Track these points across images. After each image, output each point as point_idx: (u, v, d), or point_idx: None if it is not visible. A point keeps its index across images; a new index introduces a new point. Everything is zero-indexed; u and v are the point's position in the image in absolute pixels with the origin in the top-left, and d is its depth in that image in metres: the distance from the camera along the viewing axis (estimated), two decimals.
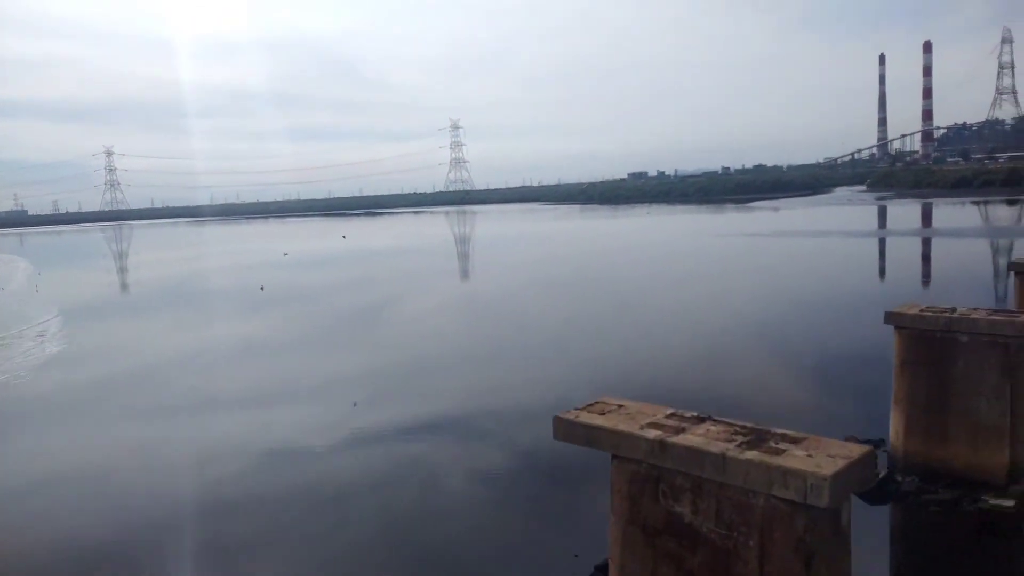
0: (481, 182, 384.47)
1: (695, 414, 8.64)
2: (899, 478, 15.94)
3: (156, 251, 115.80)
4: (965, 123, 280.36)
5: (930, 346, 15.71)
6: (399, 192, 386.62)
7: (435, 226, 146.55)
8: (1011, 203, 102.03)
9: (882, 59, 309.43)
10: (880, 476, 15.66)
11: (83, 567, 13.62)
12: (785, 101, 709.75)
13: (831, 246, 59.38)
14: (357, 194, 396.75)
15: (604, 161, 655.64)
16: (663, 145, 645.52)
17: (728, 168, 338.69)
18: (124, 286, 66.85)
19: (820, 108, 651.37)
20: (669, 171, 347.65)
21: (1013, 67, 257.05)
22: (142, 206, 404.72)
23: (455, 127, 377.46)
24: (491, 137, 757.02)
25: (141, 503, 16.27)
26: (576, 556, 12.42)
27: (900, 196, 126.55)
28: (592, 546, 11.88)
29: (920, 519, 14.27)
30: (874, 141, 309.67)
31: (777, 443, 7.34)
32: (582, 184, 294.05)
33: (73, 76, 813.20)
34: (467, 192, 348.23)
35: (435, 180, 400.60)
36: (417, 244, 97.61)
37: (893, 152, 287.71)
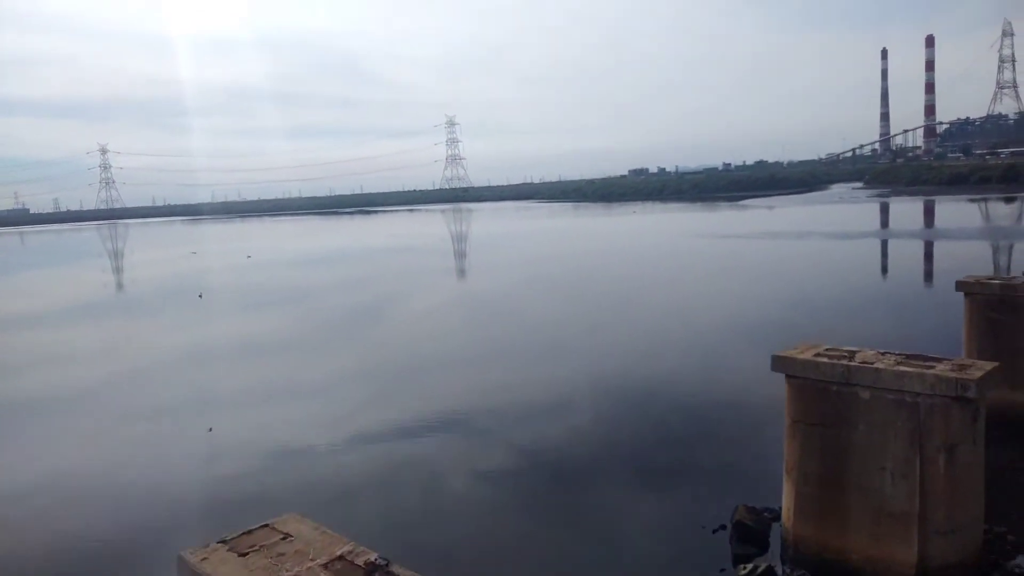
0: (484, 179, 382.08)
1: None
2: (787, 571, 12.47)
3: (122, 254, 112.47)
4: (968, 118, 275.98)
5: (825, 402, 12.23)
6: (400, 189, 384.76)
7: (421, 225, 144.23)
8: (1008, 200, 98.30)
9: (884, 54, 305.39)
10: (761, 570, 12.18)
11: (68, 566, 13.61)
12: (788, 97, 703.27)
13: (801, 250, 55.93)
14: (357, 191, 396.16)
15: (607, 158, 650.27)
16: (665, 142, 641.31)
17: (729, 164, 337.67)
18: (54, 293, 63.37)
19: (823, 104, 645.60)
20: (670, 168, 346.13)
21: (1014, 61, 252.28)
22: (142, 204, 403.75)
23: (451, 124, 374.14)
24: (494, 134, 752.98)
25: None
26: None
27: (895, 193, 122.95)
28: (595, 545, 12.32)
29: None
30: (877, 137, 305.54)
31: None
32: (581, 181, 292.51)
33: (70, 73, 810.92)
34: (465, 189, 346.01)
35: (434, 177, 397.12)
36: (393, 244, 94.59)
37: (895, 148, 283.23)
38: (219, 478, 16.99)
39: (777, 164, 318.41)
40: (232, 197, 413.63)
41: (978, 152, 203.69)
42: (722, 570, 12.30)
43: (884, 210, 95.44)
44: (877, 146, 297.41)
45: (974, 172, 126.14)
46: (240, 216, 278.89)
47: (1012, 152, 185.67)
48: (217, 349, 32.70)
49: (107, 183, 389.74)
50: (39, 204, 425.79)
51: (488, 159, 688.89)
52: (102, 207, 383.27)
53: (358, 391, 24.24)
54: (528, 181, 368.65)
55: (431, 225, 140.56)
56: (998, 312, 18.32)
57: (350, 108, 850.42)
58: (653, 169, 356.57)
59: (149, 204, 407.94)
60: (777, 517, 13.72)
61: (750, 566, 12.22)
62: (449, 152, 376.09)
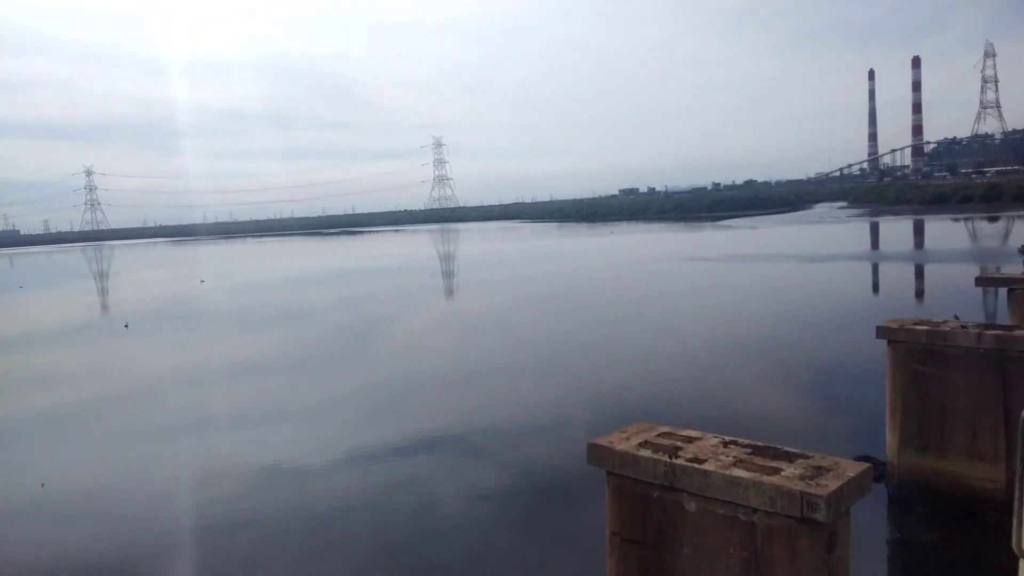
0: (478, 199, 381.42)
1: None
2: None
3: (76, 279, 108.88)
4: (955, 137, 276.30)
5: (646, 513, 8.92)
6: (392, 209, 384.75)
7: (397, 246, 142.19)
8: (991, 220, 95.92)
9: (871, 75, 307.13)
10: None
11: None
12: (778, 118, 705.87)
13: (758, 275, 53.12)
14: (350, 211, 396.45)
15: (598, 178, 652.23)
16: (657, 162, 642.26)
17: (718, 184, 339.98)
18: None
19: (813, 124, 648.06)
20: (660, 188, 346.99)
21: (996, 81, 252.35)
22: (134, 225, 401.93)
23: (438, 144, 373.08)
24: (489, 156, 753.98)
25: None
26: None
27: (877, 213, 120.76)
28: (589, 562, 11.67)
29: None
30: (865, 156, 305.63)
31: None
32: (569, 201, 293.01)
33: (64, 95, 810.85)
34: (452, 210, 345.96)
35: (424, 197, 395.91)
36: (366, 264, 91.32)
37: (883, 167, 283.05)
38: (209, 501, 16.88)
39: (765, 184, 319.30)
40: (223, 218, 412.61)
41: (964, 171, 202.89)
42: None
43: (860, 230, 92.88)
44: (866, 165, 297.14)
45: (956, 191, 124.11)
46: (226, 237, 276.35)
47: (998, 171, 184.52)
48: (122, 387, 29.31)
49: (92, 204, 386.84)
50: (30, 226, 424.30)
51: (482, 180, 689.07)
52: (87, 228, 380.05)
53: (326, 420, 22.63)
54: (521, 201, 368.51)
55: (408, 246, 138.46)
56: (925, 364, 15.14)
57: (342, 130, 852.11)
58: (643, 189, 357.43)
59: (139, 225, 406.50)
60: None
61: None
62: (436, 173, 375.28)
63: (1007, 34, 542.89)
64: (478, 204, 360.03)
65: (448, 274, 74.73)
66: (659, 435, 9.25)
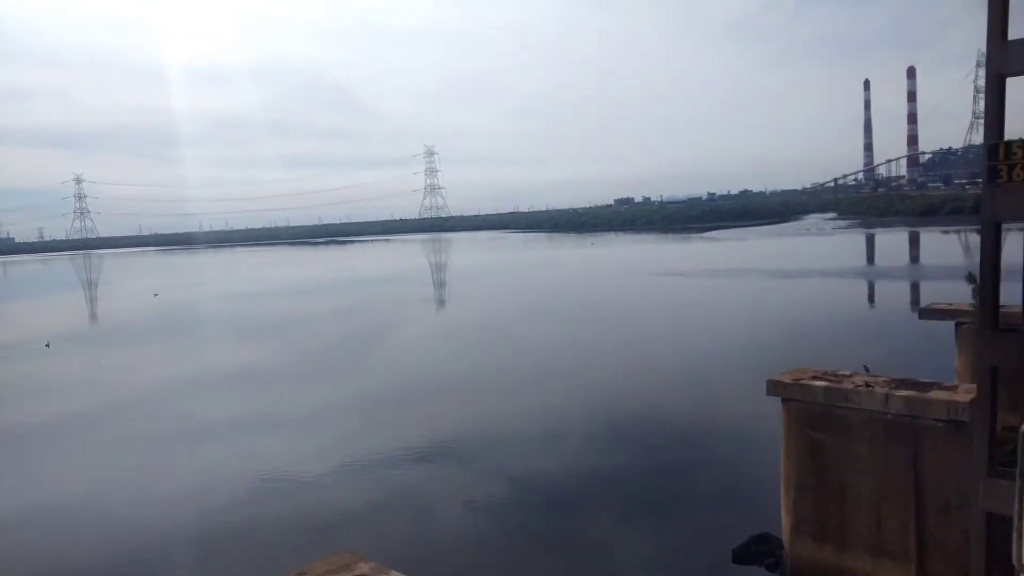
0: (475, 207, 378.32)
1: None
2: None
3: (32, 291, 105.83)
4: (951, 148, 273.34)
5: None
6: (389, 218, 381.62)
7: (380, 257, 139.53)
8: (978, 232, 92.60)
9: (867, 85, 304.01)
10: None
11: None
12: (775, 128, 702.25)
13: (722, 293, 50.30)
14: (345, 220, 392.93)
15: (596, 188, 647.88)
16: (654, 172, 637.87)
17: (714, 194, 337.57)
18: None
19: (810, 135, 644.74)
20: (655, 197, 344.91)
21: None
22: (130, 233, 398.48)
23: (430, 153, 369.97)
24: (485, 164, 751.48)
25: None
26: None
27: (863, 225, 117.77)
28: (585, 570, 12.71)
29: None
30: (861, 167, 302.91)
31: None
32: (563, 211, 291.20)
33: (62, 104, 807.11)
34: (446, 219, 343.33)
35: (418, 207, 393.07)
36: (334, 277, 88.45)
37: (878, 177, 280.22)
38: (212, 509, 16.62)
39: (760, 194, 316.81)
40: (219, 226, 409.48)
41: (958, 182, 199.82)
42: None
43: (840, 244, 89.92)
44: (860, 176, 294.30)
45: (946, 203, 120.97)
46: (216, 246, 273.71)
47: None
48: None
49: (82, 213, 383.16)
50: (26, 234, 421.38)
51: (481, 188, 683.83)
52: (76, 237, 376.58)
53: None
54: (518, 210, 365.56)
55: (388, 257, 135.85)
56: (823, 430, 11.91)
57: (341, 138, 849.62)
58: (638, 199, 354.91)
59: (134, 233, 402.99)
60: None
61: None
62: (428, 182, 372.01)
63: None
64: (470, 213, 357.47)
65: (410, 285, 71.50)
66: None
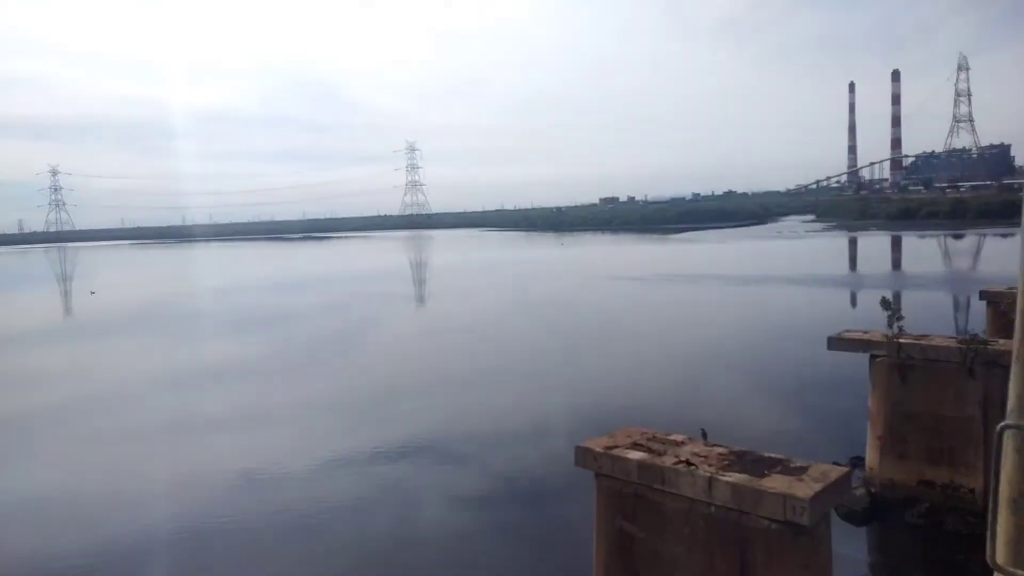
0: (461, 204, 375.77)
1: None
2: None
3: None
4: (933, 151, 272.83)
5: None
6: (375, 214, 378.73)
7: (348, 255, 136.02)
8: (956, 237, 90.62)
9: (851, 87, 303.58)
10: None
11: None
12: (762, 129, 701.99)
13: (667, 300, 47.31)
14: (331, 215, 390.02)
15: (582, 186, 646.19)
16: (641, 171, 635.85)
17: (697, 194, 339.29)
18: None
19: (796, 136, 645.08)
20: (640, 197, 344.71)
21: (970, 95, 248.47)
22: (113, 226, 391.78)
23: (411, 149, 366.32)
24: (472, 161, 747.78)
25: None
26: None
27: (837, 228, 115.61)
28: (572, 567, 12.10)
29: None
30: (845, 169, 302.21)
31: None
32: (542, 209, 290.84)
33: (47, 94, 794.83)
34: (430, 216, 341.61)
35: (400, 203, 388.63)
36: (281, 276, 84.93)
37: (861, 180, 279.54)
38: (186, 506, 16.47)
39: (743, 195, 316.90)
40: (203, 220, 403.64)
41: (939, 185, 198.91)
42: None
43: (808, 248, 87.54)
44: (843, 178, 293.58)
45: (923, 207, 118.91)
46: (189, 241, 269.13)
47: (972, 186, 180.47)
48: None
49: (57, 205, 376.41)
50: (7, 225, 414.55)
51: (467, 185, 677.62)
52: (53, 229, 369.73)
53: None
54: (503, 207, 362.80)
55: (356, 255, 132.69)
56: (634, 520, 8.84)
57: (328, 133, 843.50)
58: (624, 198, 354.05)
59: (116, 226, 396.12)
60: None
61: None
62: (409, 178, 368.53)
63: (988, 48, 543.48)
64: (457, 210, 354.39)
65: (355, 285, 68.17)
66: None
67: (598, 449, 9.26)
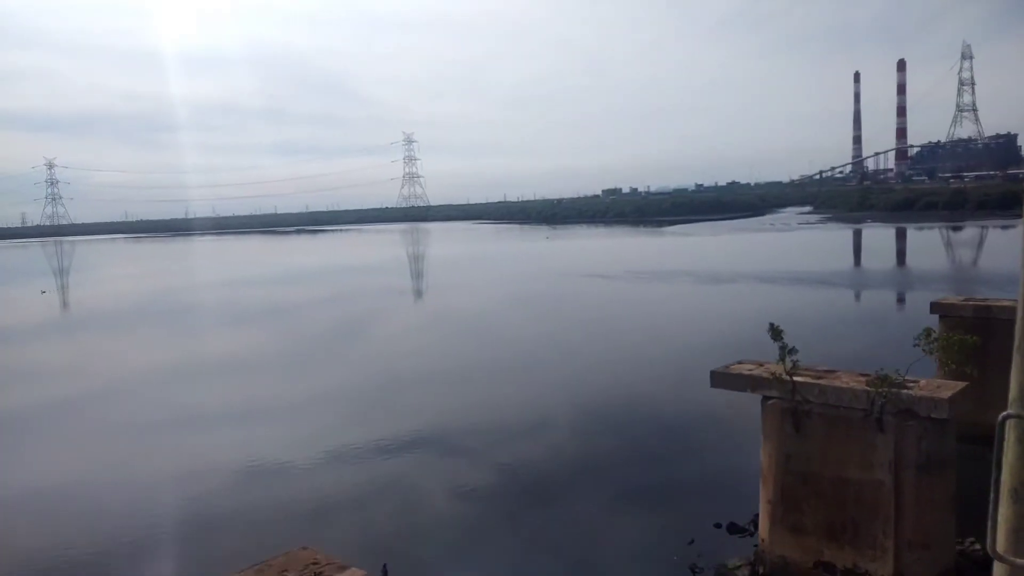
0: (463, 196, 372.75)
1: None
2: None
3: None
4: (939, 141, 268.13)
5: None
6: (374, 207, 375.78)
7: (335, 249, 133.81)
8: (955, 229, 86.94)
9: (857, 77, 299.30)
10: None
11: None
12: (767, 119, 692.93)
13: (623, 303, 44.26)
14: (333, 208, 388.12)
15: (586, 177, 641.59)
16: (645, 162, 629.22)
17: (701, 185, 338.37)
18: None
19: (802, 126, 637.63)
20: (642, 188, 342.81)
21: (973, 84, 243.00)
22: (112, 220, 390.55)
23: (408, 141, 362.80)
24: (474, 153, 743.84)
25: None
26: None
27: (831, 220, 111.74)
28: (572, 563, 12.69)
29: None
30: (850, 159, 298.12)
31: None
32: (539, 201, 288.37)
33: (48, 87, 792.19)
34: (427, 208, 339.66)
35: (397, 195, 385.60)
36: (252, 273, 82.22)
37: (865, 170, 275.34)
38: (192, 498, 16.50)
39: (746, 185, 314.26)
40: (205, 213, 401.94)
41: (943, 176, 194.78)
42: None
43: (796, 241, 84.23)
44: (846, 168, 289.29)
45: (921, 198, 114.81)
46: (185, 234, 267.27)
47: (976, 176, 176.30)
48: None
49: (53, 199, 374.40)
50: (9, 218, 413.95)
51: (469, 177, 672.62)
52: (48, 223, 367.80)
53: None
54: (506, 199, 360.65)
55: (342, 249, 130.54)
56: None
57: (330, 125, 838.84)
58: (626, 189, 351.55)
59: (115, 220, 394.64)
60: None
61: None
62: (407, 170, 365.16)
63: (995, 36, 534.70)
64: (455, 203, 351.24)
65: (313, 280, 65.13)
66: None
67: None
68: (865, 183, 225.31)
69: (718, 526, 13.76)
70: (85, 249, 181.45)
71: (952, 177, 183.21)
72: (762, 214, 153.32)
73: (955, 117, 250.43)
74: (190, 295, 61.90)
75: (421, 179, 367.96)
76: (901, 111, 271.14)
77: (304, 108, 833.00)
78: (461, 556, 13.59)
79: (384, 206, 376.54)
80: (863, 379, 11.01)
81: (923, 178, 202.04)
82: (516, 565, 13.37)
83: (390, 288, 58.80)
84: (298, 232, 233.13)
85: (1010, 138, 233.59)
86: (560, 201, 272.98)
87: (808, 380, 11.23)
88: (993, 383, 16.08)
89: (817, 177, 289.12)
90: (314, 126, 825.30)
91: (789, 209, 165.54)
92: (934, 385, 10.62)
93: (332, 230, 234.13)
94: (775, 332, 11.26)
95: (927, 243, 76.21)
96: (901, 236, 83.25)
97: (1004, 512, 4.05)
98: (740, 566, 11.81)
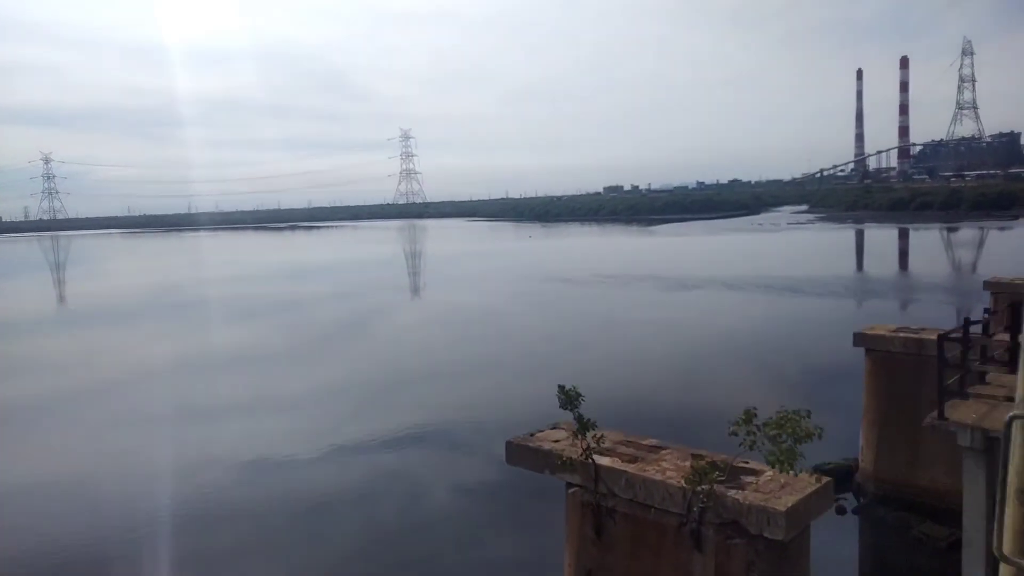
0: (465, 193, 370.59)
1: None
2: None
3: None
4: (942, 140, 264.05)
5: None
6: (371, 204, 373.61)
7: (320, 248, 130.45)
8: (951, 230, 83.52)
9: (859, 74, 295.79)
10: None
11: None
12: (771, 117, 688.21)
13: (574, 312, 41.31)
14: (336, 203, 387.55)
15: (588, 174, 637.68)
16: (648, 159, 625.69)
17: (703, 183, 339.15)
18: None
19: (806, 124, 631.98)
20: (643, 186, 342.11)
21: (974, 81, 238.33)
22: (117, 214, 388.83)
23: (406, 137, 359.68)
24: (477, 149, 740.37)
25: None
26: None
27: (822, 220, 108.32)
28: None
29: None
30: (852, 157, 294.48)
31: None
32: (532, 199, 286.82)
33: (54, 82, 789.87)
34: (426, 205, 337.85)
35: (400, 189, 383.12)
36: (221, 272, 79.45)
37: (867, 169, 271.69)
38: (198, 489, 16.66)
39: (747, 183, 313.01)
40: (208, 208, 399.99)
41: (944, 174, 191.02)
42: None
43: (780, 243, 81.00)
44: (849, 166, 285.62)
45: (914, 197, 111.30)
46: (180, 229, 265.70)
47: (978, 175, 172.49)
48: None
49: (50, 193, 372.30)
50: (12, 212, 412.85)
51: (471, 172, 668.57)
52: (46, 217, 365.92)
53: None
54: (508, 196, 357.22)
55: (324, 248, 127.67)
56: None
57: (333, 120, 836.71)
58: (627, 187, 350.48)
59: (123, 215, 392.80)
60: None
61: None
62: (404, 166, 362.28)
63: (997, 35, 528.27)
64: (451, 199, 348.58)
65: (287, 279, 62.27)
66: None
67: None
68: (866, 181, 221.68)
69: None
70: (78, 244, 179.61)
71: (954, 176, 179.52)
72: (756, 213, 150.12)
73: (955, 115, 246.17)
74: (153, 293, 59.06)
75: (418, 175, 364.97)
76: (903, 109, 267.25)
77: (307, 103, 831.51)
78: (464, 550, 13.61)
79: (384, 202, 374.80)
80: (689, 464, 7.77)
81: (924, 177, 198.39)
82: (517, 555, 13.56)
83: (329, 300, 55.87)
84: (292, 228, 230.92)
85: (1013, 137, 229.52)
86: (560, 198, 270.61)
87: (615, 466, 8.02)
88: (925, 434, 12.68)
89: (818, 176, 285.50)
90: (318, 121, 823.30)
91: (783, 208, 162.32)
92: (778, 483, 7.37)
93: (324, 226, 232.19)
94: (568, 397, 8.03)
95: (914, 245, 72.93)
96: (888, 239, 79.88)
97: (1010, 513, 4.05)
98: None
